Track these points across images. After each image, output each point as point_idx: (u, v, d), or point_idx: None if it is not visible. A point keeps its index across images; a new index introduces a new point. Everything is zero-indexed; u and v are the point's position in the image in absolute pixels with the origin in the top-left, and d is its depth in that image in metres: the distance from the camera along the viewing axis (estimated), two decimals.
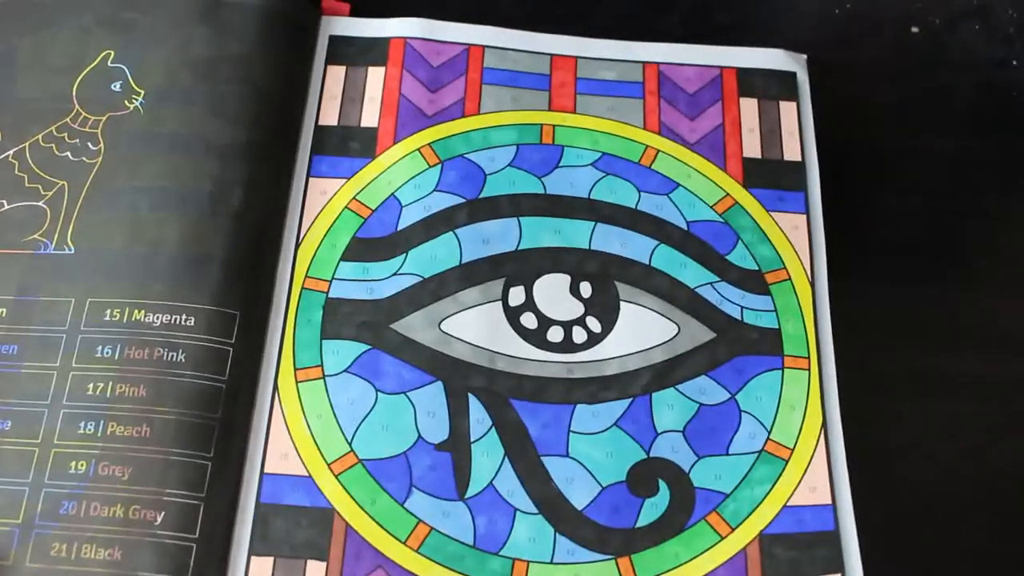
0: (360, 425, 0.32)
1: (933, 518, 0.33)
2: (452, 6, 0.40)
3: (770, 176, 0.38)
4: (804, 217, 0.37)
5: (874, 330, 0.36)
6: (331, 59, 0.39)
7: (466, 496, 0.32)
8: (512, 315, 0.35)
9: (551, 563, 0.31)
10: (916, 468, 0.34)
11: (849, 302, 0.36)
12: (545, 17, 0.41)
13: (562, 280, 0.35)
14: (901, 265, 0.37)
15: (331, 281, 0.35)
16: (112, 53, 0.37)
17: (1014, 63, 0.42)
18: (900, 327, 0.36)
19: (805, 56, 0.40)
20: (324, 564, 0.30)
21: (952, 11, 0.43)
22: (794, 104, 0.39)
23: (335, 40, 0.39)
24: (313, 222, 0.36)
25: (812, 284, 0.36)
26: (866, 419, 0.34)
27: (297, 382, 0.33)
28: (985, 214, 0.39)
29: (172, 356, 0.32)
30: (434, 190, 0.37)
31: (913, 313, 0.36)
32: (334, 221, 0.36)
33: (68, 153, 0.35)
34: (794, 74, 0.40)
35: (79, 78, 0.37)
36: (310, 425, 0.32)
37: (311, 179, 0.37)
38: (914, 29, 0.43)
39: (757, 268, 0.36)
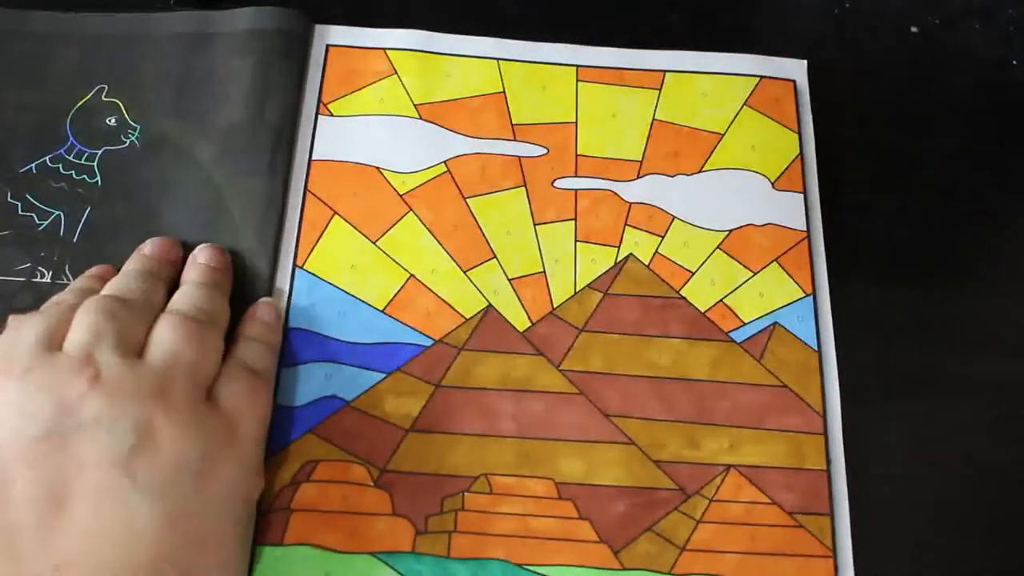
0: None
1: (929, 518, 0.33)
2: (446, 13, 0.40)
3: None
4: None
5: (873, 331, 0.36)
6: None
7: None
8: None
9: None
10: (913, 468, 0.34)
11: (848, 303, 0.36)
12: (541, 24, 0.41)
13: None
14: (900, 266, 0.37)
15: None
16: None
17: (1013, 63, 0.42)
18: (899, 328, 0.36)
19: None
20: None
21: (951, 11, 0.43)
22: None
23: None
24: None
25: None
26: (865, 419, 0.34)
27: None
28: (985, 214, 0.39)
29: None
30: None
31: (912, 313, 0.37)
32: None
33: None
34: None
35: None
36: None
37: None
38: (913, 29, 0.42)
39: None
